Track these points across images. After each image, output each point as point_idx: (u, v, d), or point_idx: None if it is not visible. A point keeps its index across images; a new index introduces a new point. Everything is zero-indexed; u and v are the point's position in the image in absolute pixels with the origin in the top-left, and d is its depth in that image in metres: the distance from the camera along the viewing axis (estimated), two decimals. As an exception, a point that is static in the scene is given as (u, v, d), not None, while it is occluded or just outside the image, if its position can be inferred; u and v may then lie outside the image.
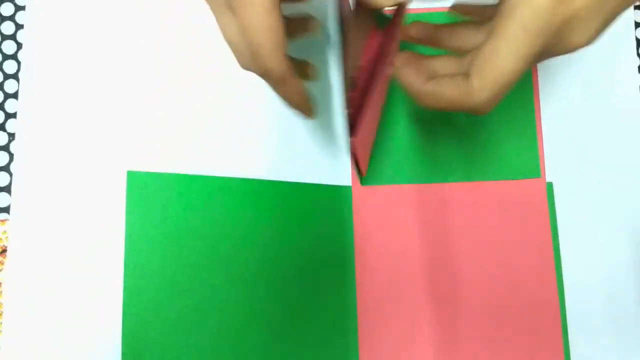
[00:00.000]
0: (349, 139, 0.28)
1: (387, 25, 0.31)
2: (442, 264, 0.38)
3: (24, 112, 0.39)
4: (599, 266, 0.39)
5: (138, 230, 0.37)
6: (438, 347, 0.37)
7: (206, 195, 0.37)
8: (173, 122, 0.39)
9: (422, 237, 0.38)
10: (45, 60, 0.40)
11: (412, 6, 0.40)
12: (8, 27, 0.41)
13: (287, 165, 0.39)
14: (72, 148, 0.39)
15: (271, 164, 0.39)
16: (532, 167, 0.39)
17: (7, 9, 0.41)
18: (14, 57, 0.40)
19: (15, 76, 0.40)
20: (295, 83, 0.27)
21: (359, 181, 0.39)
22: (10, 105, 0.40)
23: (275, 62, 0.25)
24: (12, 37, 0.41)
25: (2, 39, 0.41)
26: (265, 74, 0.25)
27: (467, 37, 0.28)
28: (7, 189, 0.39)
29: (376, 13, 0.32)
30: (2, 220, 0.38)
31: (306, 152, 0.39)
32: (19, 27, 0.41)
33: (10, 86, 0.40)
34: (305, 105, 0.28)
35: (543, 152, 0.39)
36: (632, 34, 0.41)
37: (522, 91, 0.40)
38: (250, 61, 0.25)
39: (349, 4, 0.32)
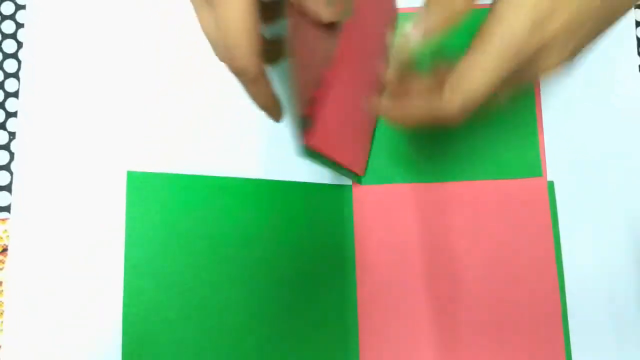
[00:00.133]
0: (302, 142, 0.29)
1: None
2: (442, 263, 0.38)
3: (25, 111, 0.39)
4: (600, 265, 0.39)
5: (138, 230, 0.37)
6: (439, 346, 0.37)
7: (206, 195, 0.37)
8: (173, 122, 0.39)
9: (423, 236, 0.38)
10: (46, 59, 0.40)
11: (406, 5, 0.40)
12: (8, 26, 0.41)
13: (286, 165, 0.39)
14: (73, 147, 0.39)
15: (271, 163, 0.39)
16: (533, 166, 0.39)
17: (7, 8, 0.41)
18: (14, 56, 0.40)
19: (15, 75, 0.40)
20: (265, 85, 0.28)
21: (356, 182, 0.39)
22: (11, 105, 0.40)
23: (248, 62, 0.25)
24: (13, 36, 0.41)
25: (2, 37, 0.41)
26: (237, 73, 0.26)
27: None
28: (7, 188, 0.39)
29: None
30: (3, 219, 0.38)
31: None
32: (19, 26, 0.41)
33: (10, 85, 0.40)
34: (272, 107, 0.29)
35: (544, 151, 0.39)
36: (633, 33, 0.40)
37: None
38: (225, 58, 0.26)
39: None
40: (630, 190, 0.39)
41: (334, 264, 0.38)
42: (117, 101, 0.39)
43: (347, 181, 0.39)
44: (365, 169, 0.39)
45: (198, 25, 0.27)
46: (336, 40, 0.30)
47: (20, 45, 0.40)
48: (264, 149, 0.39)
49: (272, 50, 0.29)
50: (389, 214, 0.38)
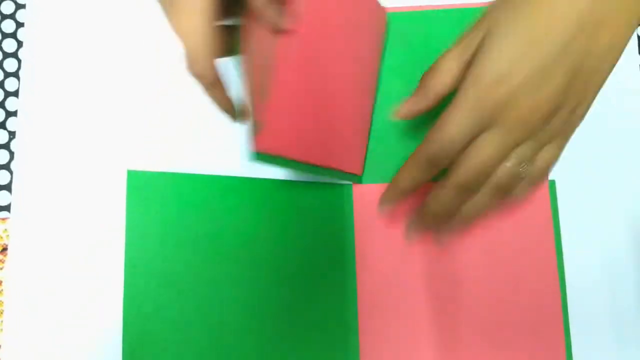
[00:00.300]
0: (251, 147, 0.30)
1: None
2: (442, 262, 0.38)
3: (25, 111, 0.39)
4: (600, 264, 0.39)
5: (138, 229, 0.37)
6: (439, 346, 0.37)
7: (206, 195, 0.37)
8: (173, 122, 0.39)
9: (423, 235, 0.38)
10: (46, 58, 0.40)
11: (399, 5, 0.40)
12: (8, 25, 0.41)
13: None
14: (73, 147, 0.39)
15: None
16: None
17: (7, 7, 0.41)
18: (14, 55, 0.40)
19: (15, 74, 0.40)
20: (222, 89, 0.29)
21: (355, 182, 0.39)
22: (11, 104, 0.40)
23: (206, 68, 0.27)
24: (13, 35, 0.41)
25: (2, 37, 0.41)
26: (196, 77, 0.28)
27: None
28: (7, 187, 0.39)
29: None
30: (3, 219, 0.38)
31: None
32: (19, 25, 0.41)
33: (10, 84, 0.40)
34: (230, 109, 0.31)
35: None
36: (634, 34, 0.40)
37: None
38: (186, 64, 0.27)
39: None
40: (631, 189, 0.39)
41: (334, 263, 0.38)
42: (117, 100, 0.39)
43: (347, 180, 0.39)
44: (363, 167, 0.38)
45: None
46: (283, 43, 0.30)
47: (20, 44, 0.40)
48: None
49: (231, 41, 0.31)
50: (389, 213, 0.38)
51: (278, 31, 0.30)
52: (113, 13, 0.40)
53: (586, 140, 0.39)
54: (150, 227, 0.37)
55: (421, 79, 0.31)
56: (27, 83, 0.39)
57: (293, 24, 0.30)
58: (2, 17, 0.41)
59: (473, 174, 0.29)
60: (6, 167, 0.39)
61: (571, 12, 0.26)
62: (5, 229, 0.38)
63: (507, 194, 0.31)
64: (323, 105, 0.34)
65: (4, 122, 0.40)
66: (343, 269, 0.38)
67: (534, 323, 0.37)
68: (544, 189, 0.39)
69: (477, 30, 0.28)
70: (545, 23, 0.26)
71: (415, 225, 0.35)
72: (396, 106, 0.32)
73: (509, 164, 0.29)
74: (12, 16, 0.41)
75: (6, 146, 0.39)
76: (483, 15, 0.29)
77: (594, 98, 0.29)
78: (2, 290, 0.38)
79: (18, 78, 0.40)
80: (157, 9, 0.40)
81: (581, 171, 0.39)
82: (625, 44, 0.27)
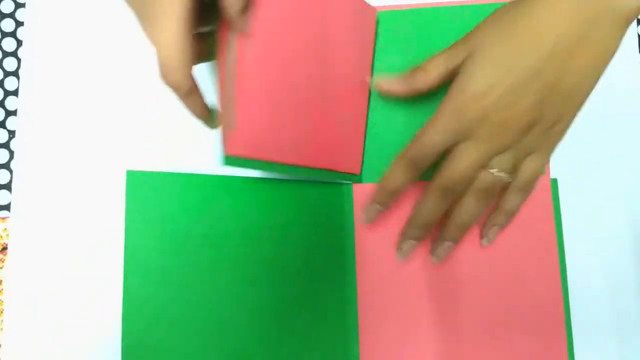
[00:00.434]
0: (222, 151, 0.31)
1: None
2: (443, 261, 0.38)
3: (24, 110, 0.39)
4: (603, 263, 0.38)
5: (138, 228, 0.37)
6: (439, 345, 0.37)
7: (206, 194, 0.37)
8: (173, 122, 0.39)
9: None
10: (46, 58, 0.40)
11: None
12: (8, 25, 0.41)
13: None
14: (72, 146, 0.39)
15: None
16: (536, 165, 0.38)
17: (7, 6, 0.41)
18: (14, 54, 0.40)
19: (15, 74, 0.40)
20: (198, 97, 0.30)
21: (355, 181, 0.38)
22: (11, 103, 0.40)
23: (182, 78, 0.27)
24: (12, 34, 0.40)
25: (2, 36, 0.40)
26: (172, 88, 0.28)
27: None
28: (7, 187, 0.39)
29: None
30: (3, 218, 0.38)
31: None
32: (19, 24, 0.41)
33: (10, 83, 0.40)
34: (207, 116, 0.32)
35: (546, 150, 0.39)
36: (634, 31, 0.40)
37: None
38: (161, 75, 0.27)
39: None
40: (633, 188, 0.39)
41: (334, 262, 0.38)
42: (117, 100, 0.39)
43: (346, 180, 0.38)
44: (361, 166, 0.38)
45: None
46: (245, 47, 0.31)
47: (20, 43, 0.40)
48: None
49: (206, 48, 0.31)
50: (389, 212, 0.38)
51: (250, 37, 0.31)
52: (113, 12, 0.40)
53: (588, 139, 0.39)
54: (149, 227, 0.37)
55: (409, 71, 0.35)
56: (26, 82, 0.39)
57: (252, 29, 0.31)
58: (1, 16, 0.41)
59: (453, 178, 0.32)
60: (6, 166, 0.39)
61: (544, 40, 0.29)
62: (5, 228, 0.38)
63: (491, 199, 0.34)
64: (306, 106, 0.34)
65: (3, 121, 0.40)
66: (343, 268, 0.38)
67: (535, 322, 0.37)
68: (546, 188, 0.38)
69: (463, 46, 0.32)
70: (520, 50, 0.30)
71: (406, 237, 0.36)
72: (381, 76, 0.36)
73: (490, 171, 0.32)
74: (11, 15, 0.41)
75: (6, 145, 0.39)
76: (471, 33, 0.33)
77: (574, 115, 0.32)
78: (2, 289, 0.38)
79: (18, 77, 0.40)
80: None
81: (583, 170, 0.39)
82: (603, 67, 0.30)
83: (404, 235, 0.36)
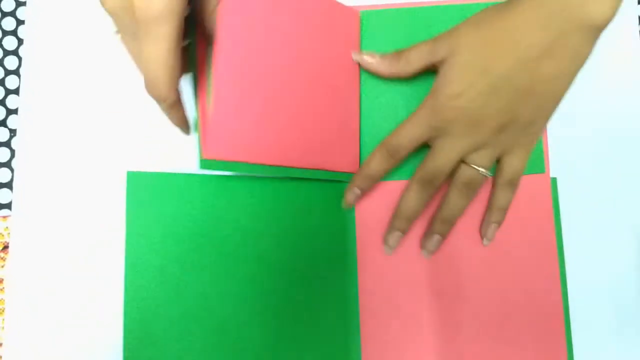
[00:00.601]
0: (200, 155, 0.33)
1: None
2: (444, 260, 0.38)
3: (25, 109, 0.39)
4: (602, 262, 0.39)
5: (138, 229, 0.37)
6: (440, 345, 0.37)
7: (206, 194, 0.37)
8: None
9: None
10: (47, 56, 0.40)
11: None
12: (9, 23, 0.41)
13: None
14: (73, 144, 0.39)
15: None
16: (536, 162, 0.39)
17: (8, 5, 0.41)
18: (15, 53, 0.40)
19: (16, 72, 0.40)
20: (181, 109, 0.32)
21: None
22: (12, 101, 0.40)
23: (169, 92, 0.29)
24: (13, 32, 0.40)
25: (3, 34, 0.40)
26: (158, 100, 0.30)
27: None
28: (8, 185, 0.39)
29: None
30: (4, 217, 0.38)
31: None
32: (20, 22, 0.40)
33: (11, 82, 0.40)
34: (185, 125, 0.34)
35: (547, 148, 0.39)
36: (636, 32, 0.40)
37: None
38: (146, 87, 0.29)
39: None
40: (633, 187, 0.39)
41: (335, 261, 0.38)
42: (118, 99, 0.39)
43: (345, 180, 0.38)
44: (358, 164, 0.38)
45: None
46: (218, 53, 0.32)
47: (20, 42, 0.40)
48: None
49: (186, 60, 0.33)
50: (390, 210, 0.38)
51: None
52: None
53: (588, 137, 0.39)
54: (150, 227, 0.37)
55: (395, 55, 0.37)
56: (27, 81, 0.39)
57: (226, 38, 0.32)
58: (2, 15, 0.41)
59: (431, 170, 0.35)
60: (7, 164, 0.39)
61: (517, 47, 0.32)
62: (7, 227, 0.38)
63: (472, 193, 0.36)
64: (291, 109, 0.35)
65: (4, 119, 0.40)
66: (344, 266, 0.38)
67: (535, 321, 0.37)
68: (546, 187, 0.39)
69: (446, 42, 0.34)
70: (494, 56, 0.32)
71: (392, 229, 0.37)
72: (367, 53, 0.37)
73: (470, 165, 0.35)
74: (12, 14, 0.41)
75: (7, 144, 0.39)
76: (455, 30, 0.34)
77: (548, 117, 0.35)
78: (3, 288, 0.38)
79: (19, 76, 0.40)
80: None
81: (583, 168, 0.39)
82: (573, 73, 0.33)
83: (390, 228, 0.37)
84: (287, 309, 0.37)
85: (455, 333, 0.37)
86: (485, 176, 0.36)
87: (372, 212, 0.38)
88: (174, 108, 0.31)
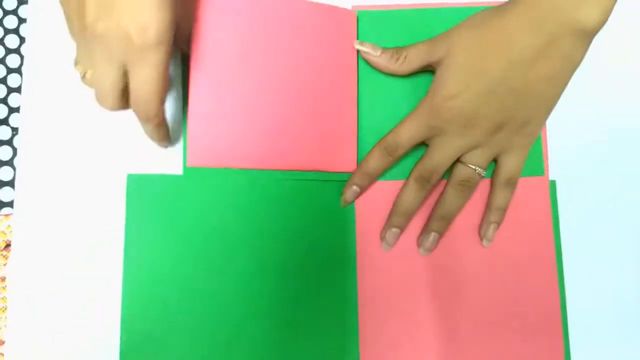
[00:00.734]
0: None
1: None
2: (443, 261, 0.38)
3: (27, 107, 0.39)
4: (600, 264, 0.39)
5: (138, 232, 0.37)
6: (438, 345, 0.37)
7: (206, 196, 0.37)
8: (173, 124, 0.39)
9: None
10: (49, 55, 0.40)
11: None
12: (11, 21, 0.40)
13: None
14: (75, 143, 0.39)
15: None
16: (535, 165, 0.39)
17: (10, 3, 0.41)
18: (16, 51, 0.40)
19: (18, 70, 0.40)
20: (165, 126, 0.34)
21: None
22: (14, 100, 0.40)
23: (158, 113, 0.32)
24: (15, 31, 0.40)
25: (5, 33, 0.40)
26: (146, 120, 0.32)
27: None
28: (10, 184, 0.39)
29: None
30: (6, 215, 0.38)
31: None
32: (22, 21, 0.40)
33: (13, 80, 0.40)
34: (167, 140, 0.36)
35: (547, 150, 0.39)
36: (636, 33, 0.41)
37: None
38: (137, 109, 0.31)
39: None
40: (631, 191, 0.39)
41: (334, 261, 0.38)
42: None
43: (345, 180, 0.38)
44: (356, 164, 0.38)
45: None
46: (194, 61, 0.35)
47: (22, 40, 0.40)
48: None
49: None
50: (390, 210, 0.38)
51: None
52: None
53: (587, 140, 0.40)
54: (150, 230, 0.37)
55: (394, 51, 0.37)
56: (29, 79, 0.39)
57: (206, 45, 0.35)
58: (4, 13, 0.41)
59: (428, 167, 0.36)
60: (9, 163, 0.39)
61: (510, 50, 0.33)
62: (9, 225, 0.38)
63: (469, 191, 0.37)
64: (283, 114, 0.36)
65: (6, 118, 0.40)
66: (344, 265, 0.38)
67: (533, 322, 0.38)
68: (545, 190, 0.39)
69: (443, 43, 0.35)
70: (488, 58, 0.33)
71: (389, 225, 0.38)
72: (366, 44, 0.38)
73: (466, 164, 0.36)
74: (14, 12, 0.41)
75: (9, 142, 0.39)
76: (452, 32, 0.35)
77: (543, 118, 0.36)
78: (5, 286, 0.38)
79: (21, 74, 0.40)
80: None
81: (582, 171, 0.39)
82: (566, 76, 0.34)
83: (387, 225, 0.38)
84: (285, 308, 0.37)
85: (454, 333, 0.38)
86: (481, 175, 0.36)
87: (372, 212, 0.38)
88: (161, 125, 0.33)
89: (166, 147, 0.38)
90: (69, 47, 0.40)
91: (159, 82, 0.30)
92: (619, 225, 0.39)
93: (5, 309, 0.38)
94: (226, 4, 0.35)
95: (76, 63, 0.32)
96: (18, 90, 0.40)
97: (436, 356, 0.37)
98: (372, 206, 0.38)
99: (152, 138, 0.35)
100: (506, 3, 0.34)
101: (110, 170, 0.38)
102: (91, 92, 0.32)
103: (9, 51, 0.40)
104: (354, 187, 0.37)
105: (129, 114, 0.39)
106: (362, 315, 0.37)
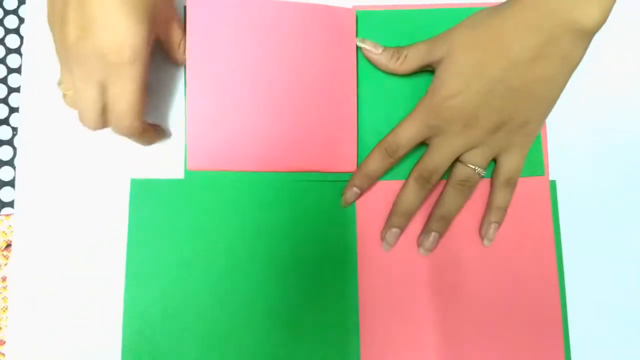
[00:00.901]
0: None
1: None
2: (443, 261, 0.38)
3: (28, 107, 0.39)
4: (601, 265, 0.39)
5: (140, 235, 0.37)
6: (439, 344, 0.37)
7: (207, 200, 0.37)
8: (175, 124, 0.39)
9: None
10: (49, 54, 0.40)
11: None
12: (11, 21, 0.40)
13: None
14: (75, 142, 0.39)
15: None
16: (536, 165, 0.39)
17: (10, 3, 0.41)
18: (17, 51, 0.40)
19: (18, 70, 0.40)
20: (148, 131, 0.35)
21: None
22: (14, 100, 0.40)
23: (138, 122, 0.32)
24: (16, 31, 0.40)
25: (5, 33, 0.40)
26: (127, 135, 0.33)
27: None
28: (11, 184, 0.39)
29: None
30: (7, 215, 0.38)
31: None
32: (22, 21, 0.40)
33: (14, 81, 0.40)
34: (155, 142, 0.37)
35: (547, 150, 0.39)
36: (636, 34, 0.41)
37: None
38: (115, 123, 0.32)
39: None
40: (631, 190, 0.39)
41: (335, 261, 0.38)
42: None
43: (345, 180, 0.38)
44: (356, 164, 0.38)
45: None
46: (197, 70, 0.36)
47: (22, 40, 0.40)
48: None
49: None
50: (390, 210, 0.38)
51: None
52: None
53: (588, 140, 0.40)
54: (152, 234, 0.37)
55: (394, 51, 0.38)
56: (30, 79, 0.39)
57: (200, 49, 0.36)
58: (5, 13, 0.41)
59: (428, 167, 0.36)
60: (10, 163, 0.39)
61: (509, 50, 0.33)
62: (10, 225, 0.38)
63: (468, 191, 0.37)
64: (281, 115, 0.36)
65: (7, 118, 0.40)
66: (345, 265, 0.38)
67: (533, 322, 0.38)
68: (545, 190, 0.39)
69: (443, 43, 0.35)
70: (488, 58, 0.33)
71: (389, 225, 0.38)
72: (368, 42, 0.38)
73: (465, 164, 0.36)
74: (15, 12, 0.41)
75: (9, 142, 0.39)
76: (451, 32, 0.35)
77: (542, 118, 0.36)
78: (6, 286, 0.38)
79: (21, 74, 0.40)
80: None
81: (582, 171, 0.39)
82: (566, 76, 0.33)
83: (387, 225, 0.38)
84: (286, 308, 0.37)
85: (454, 333, 0.38)
86: (481, 175, 0.36)
87: (373, 212, 0.38)
88: (143, 134, 0.34)
89: (163, 140, 0.38)
90: (70, 47, 0.40)
91: (134, 96, 0.31)
92: (619, 225, 0.39)
93: (6, 309, 0.38)
94: (224, 6, 0.36)
95: (59, 83, 0.33)
96: (18, 90, 0.40)
97: (436, 356, 0.37)
98: (372, 206, 0.38)
99: (141, 145, 0.36)
100: (505, 3, 0.34)
101: (110, 170, 0.38)
102: (74, 112, 0.33)
103: (9, 51, 0.40)
104: (355, 189, 0.37)
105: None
106: (362, 315, 0.37)
